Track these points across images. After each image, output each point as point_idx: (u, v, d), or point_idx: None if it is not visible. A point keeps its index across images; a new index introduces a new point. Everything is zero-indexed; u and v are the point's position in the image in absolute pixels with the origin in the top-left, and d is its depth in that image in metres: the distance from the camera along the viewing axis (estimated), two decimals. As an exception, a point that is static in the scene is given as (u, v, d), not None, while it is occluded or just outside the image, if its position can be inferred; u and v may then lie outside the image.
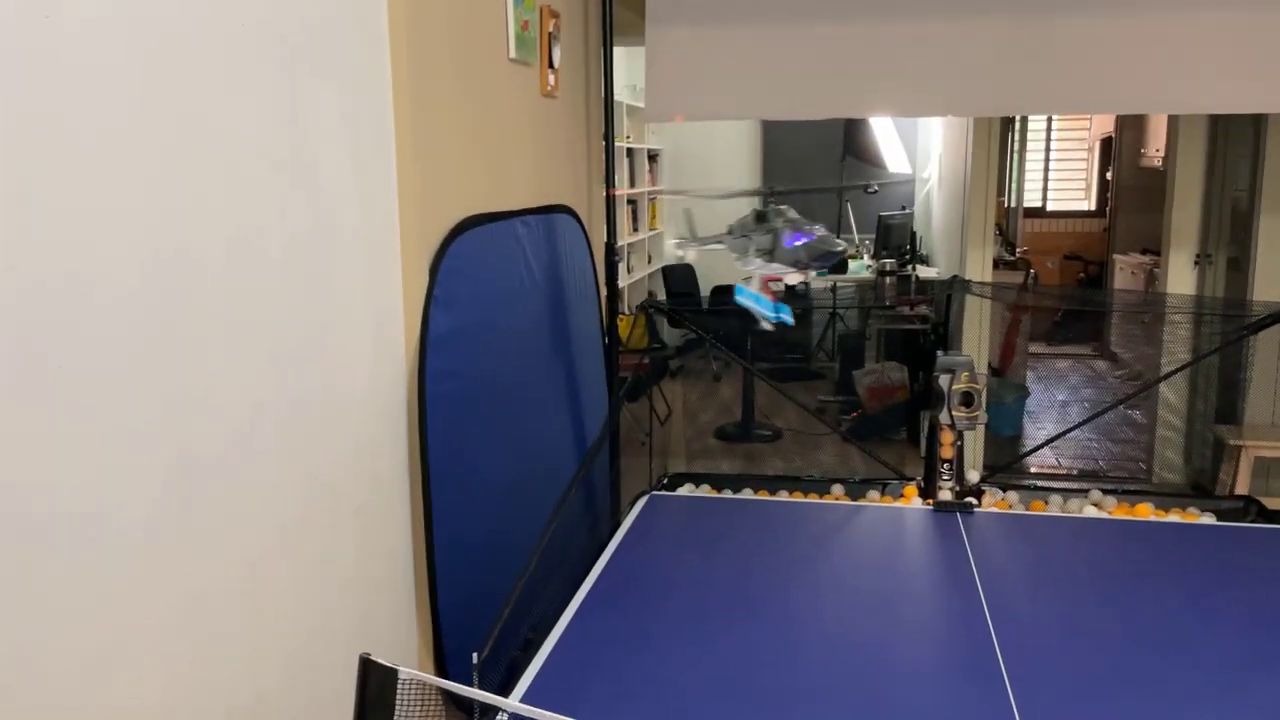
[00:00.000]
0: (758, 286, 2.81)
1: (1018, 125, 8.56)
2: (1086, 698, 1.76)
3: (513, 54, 2.95)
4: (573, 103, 3.61)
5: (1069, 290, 8.07)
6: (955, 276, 4.41)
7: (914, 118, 7.14)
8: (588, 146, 3.81)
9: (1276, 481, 3.89)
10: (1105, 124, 8.53)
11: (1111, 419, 6.01)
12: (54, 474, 1.32)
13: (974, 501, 2.85)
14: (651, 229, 7.70)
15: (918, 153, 7.56)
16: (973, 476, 3.01)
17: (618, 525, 2.72)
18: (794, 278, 2.74)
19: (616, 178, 6.66)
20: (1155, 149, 7.32)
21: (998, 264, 6.00)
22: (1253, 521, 2.81)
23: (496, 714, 1.63)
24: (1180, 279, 4.48)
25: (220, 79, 1.65)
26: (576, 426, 3.47)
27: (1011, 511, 2.86)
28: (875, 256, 6.75)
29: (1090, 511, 2.88)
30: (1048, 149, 9.00)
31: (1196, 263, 4.47)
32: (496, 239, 2.96)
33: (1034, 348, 7.53)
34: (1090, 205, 8.84)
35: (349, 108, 2.07)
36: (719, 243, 3.04)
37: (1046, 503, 3.03)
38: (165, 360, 1.52)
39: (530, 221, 3.23)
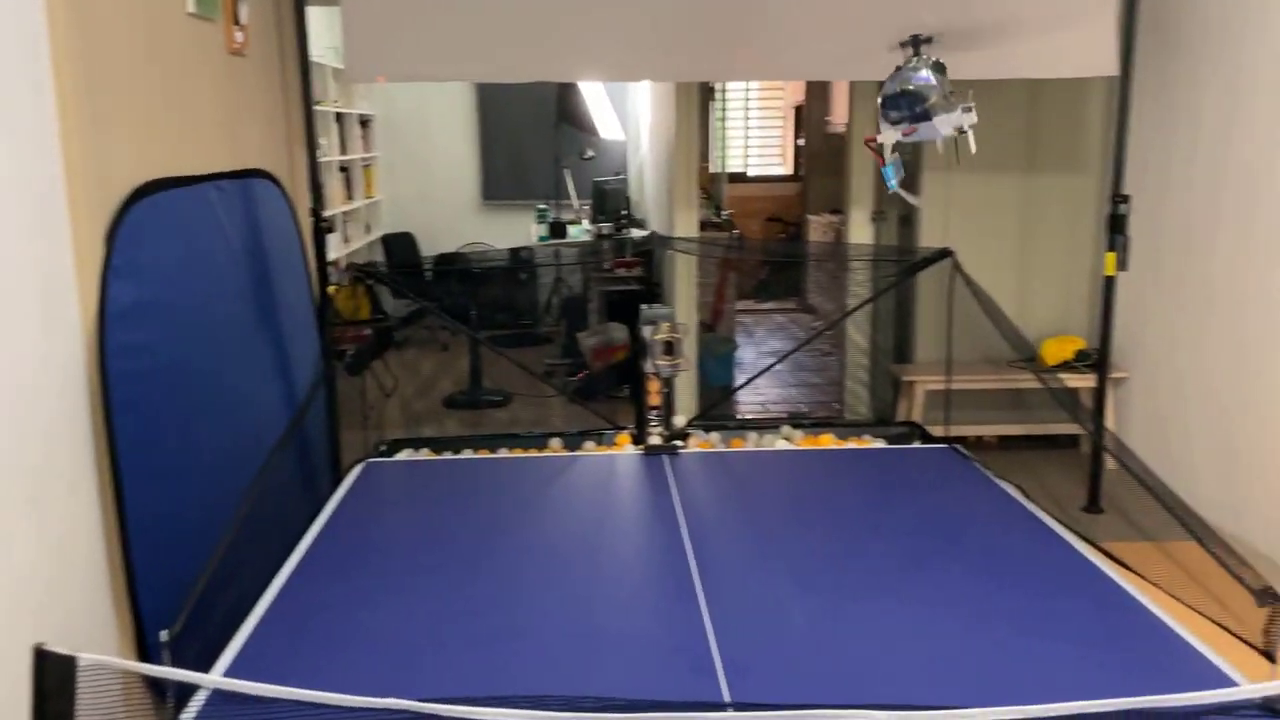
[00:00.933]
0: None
1: (720, 93, 9.04)
2: (769, 609, 1.96)
3: (191, 8, 2.79)
4: (266, 62, 3.44)
5: (762, 243, 8.66)
6: (654, 232, 4.62)
7: (618, 82, 7.37)
8: (286, 109, 3.65)
9: (941, 412, 4.41)
10: (798, 92, 9.18)
11: (811, 365, 6.56)
12: None
13: (680, 444, 3.04)
14: (368, 196, 7.49)
15: (629, 119, 7.81)
16: (679, 421, 3.20)
17: (334, 495, 2.67)
18: (887, 136, 2.78)
19: (325, 143, 6.42)
20: (839, 116, 7.98)
21: (705, 226, 6.33)
22: (918, 444, 3.19)
23: (195, 692, 1.56)
24: (861, 234, 4.95)
25: None
26: (291, 401, 3.35)
27: (713, 450, 3.08)
28: (594, 221, 6.95)
29: (781, 445, 3.15)
30: (747, 117, 9.57)
31: (874, 219, 4.95)
32: (186, 204, 2.79)
33: (742, 305, 8.05)
34: (788, 170, 9.51)
35: (-6, 59, 1.89)
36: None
37: (745, 440, 3.28)
38: None
39: (225, 186, 3.07)
